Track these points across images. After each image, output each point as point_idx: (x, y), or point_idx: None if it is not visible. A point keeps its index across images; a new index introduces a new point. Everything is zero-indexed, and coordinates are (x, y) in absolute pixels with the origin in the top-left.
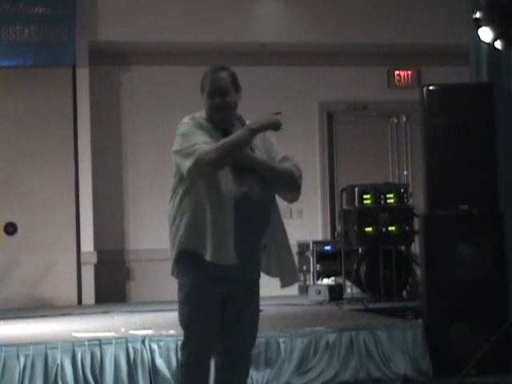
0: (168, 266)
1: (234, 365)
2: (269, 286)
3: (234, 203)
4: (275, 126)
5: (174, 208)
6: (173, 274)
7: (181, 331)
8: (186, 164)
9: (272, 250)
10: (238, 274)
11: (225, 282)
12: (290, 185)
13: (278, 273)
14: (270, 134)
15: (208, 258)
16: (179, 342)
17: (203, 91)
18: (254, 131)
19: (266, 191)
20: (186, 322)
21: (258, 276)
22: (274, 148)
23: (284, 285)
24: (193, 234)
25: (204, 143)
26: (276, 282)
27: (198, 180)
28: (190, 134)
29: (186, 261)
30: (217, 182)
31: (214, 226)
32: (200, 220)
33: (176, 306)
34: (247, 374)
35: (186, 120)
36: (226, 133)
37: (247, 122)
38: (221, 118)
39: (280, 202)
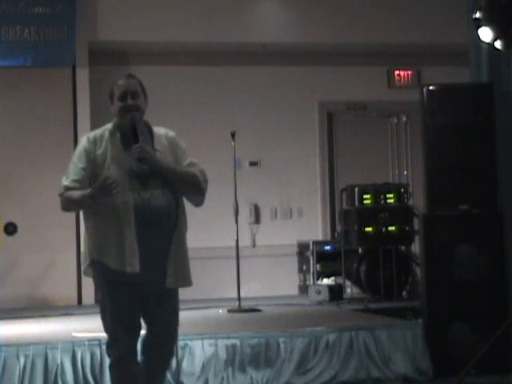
0: None
1: (156, 356)
2: (269, 286)
3: (134, 211)
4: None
5: (84, 218)
6: (85, 274)
7: (181, 331)
8: (59, 189)
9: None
10: (144, 279)
11: (134, 285)
12: (194, 188)
13: (170, 272)
14: (183, 141)
15: (112, 266)
16: (179, 343)
17: (113, 99)
18: (92, 196)
19: (169, 195)
20: (108, 323)
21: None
22: (182, 154)
23: (170, 284)
24: (97, 244)
25: (74, 182)
26: (276, 282)
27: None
28: (74, 161)
29: (97, 268)
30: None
31: (114, 236)
32: (101, 232)
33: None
34: (166, 368)
35: (89, 134)
36: (135, 132)
37: (154, 129)
38: (133, 117)
39: (280, 202)
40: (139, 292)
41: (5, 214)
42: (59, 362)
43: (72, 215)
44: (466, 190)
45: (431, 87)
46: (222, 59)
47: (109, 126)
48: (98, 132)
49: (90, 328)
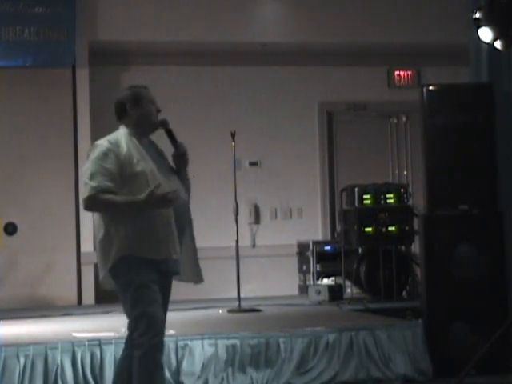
0: None
1: None
2: (269, 286)
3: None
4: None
5: (106, 217)
6: (104, 279)
7: (181, 331)
8: (84, 194)
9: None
10: (175, 268)
11: (166, 274)
12: (188, 192)
13: (193, 267)
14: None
15: (152, 255)
16: (179, 343)
17: (140, 101)
18: (147, 205)
19: (186, 193)
20: (146, 309)
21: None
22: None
23: (185, 280)
24: (134, 237)
25: (106, 182)
26: (276, 282)
27: (129, 188)
28: (98, 163)
29: (131, 260)
30: (150, 185)
31: (156, 225)
32: (140, 224)
33: (176, 307)
34: None
35: (103, 142)
36: (170, 133)
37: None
38: (166, 120)
39: (280, 202)
40: (165, 281)
41: (5, 214)
42: (59, 361)
43: (72, 215)
44: (466, 190)
45: (431, 87)
46: (222, 59)
47: (121, 131)
48: (112, 136)
49: (90, 328)
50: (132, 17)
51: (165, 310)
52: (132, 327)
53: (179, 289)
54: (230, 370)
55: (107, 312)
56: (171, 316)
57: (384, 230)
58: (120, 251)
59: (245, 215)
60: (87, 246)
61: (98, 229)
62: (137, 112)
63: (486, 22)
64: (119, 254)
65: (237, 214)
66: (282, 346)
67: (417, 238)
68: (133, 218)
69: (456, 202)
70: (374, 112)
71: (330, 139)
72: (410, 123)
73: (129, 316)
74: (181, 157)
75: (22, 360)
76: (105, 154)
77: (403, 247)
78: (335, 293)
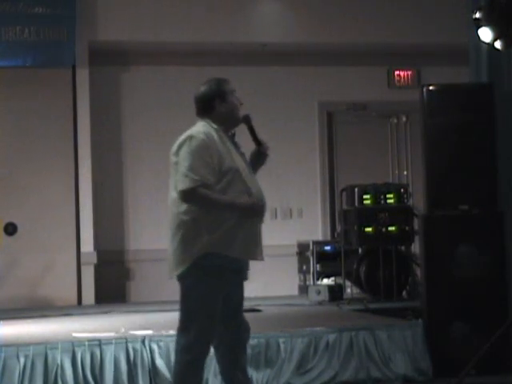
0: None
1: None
2: (269, 286)
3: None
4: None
5: (192, 213)
6: (181, 274)
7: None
8: (184, 185)
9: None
10: (247, 265)
11: (240, 273)
12: None
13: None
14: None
15: (236, 255)
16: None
17: (225, 96)
18: (244, 212)
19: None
20: (208, 312)
21: None
22: None
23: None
24: (220, 236)
25: (208, 175)
26: (276, 282)
27: (221, 184)
28: (197, 156)
29: (211, 260)
30: (245, 183)
31: (244, 224)
32: (227, 223)
33: (176, 307)
34: None
35: (196, 134)
36: (252, 129)
37: None
38: (249, 116)
39: (280, 202)
40: (239, 279)
41: (5, 214)
42: (59, 361)
43: (72, 215)
44: (466, 190)
45: (431, 87)
46: (222, 59)
47: (207, 125)
48: (203, 130)
49: (90, 328)
50: (132, 17)
51: (241, 309)
52: (179, 333)
53: (179, 289)
54: None
55: (107, 312)
56: (171, 316)
57: (384, 230)
58: (204, 248)
59: None
60: (87, 246)
61: (178, 224)
62: (226, 108)
63: (486, 21)
64: (203, 251)
65: None
66: (281, 346)
67: (417, 238)
68: (223, 215)
69: (456, 202)
70: (374, 112)
71: (330, 139)
72: (410, 123)
73: (180, 319)
74: (263, 155)
75: (22, 360)
76: (203, 147)
77: (403, 247)
78: (335, 293)
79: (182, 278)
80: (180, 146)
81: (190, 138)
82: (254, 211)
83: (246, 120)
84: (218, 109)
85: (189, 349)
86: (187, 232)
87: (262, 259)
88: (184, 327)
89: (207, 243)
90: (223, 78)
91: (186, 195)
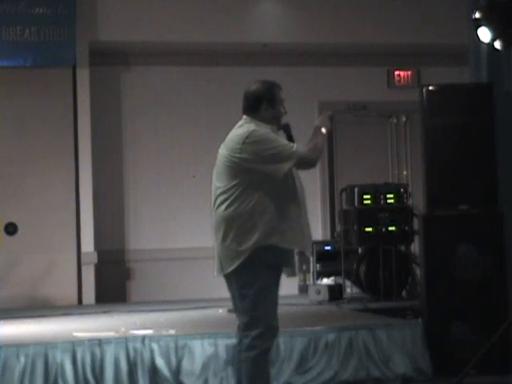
0: (167, 265)
1: None
2: None
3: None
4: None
5: (247, 208)
6: (237, 268)
7: (181, 331)
8: (285, 165)
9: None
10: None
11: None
12: None
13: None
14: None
15: (287, 246)
16: (179, 342)
17: (276, 102)
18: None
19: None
20: (269, 306)
21: None
22: None
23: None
24: (275, 228)
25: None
26: None
27: (275, 179)
28: (274, 138)
29: (267, 254)
30: (292, 179)
31: (296, 218)
32: (281, 215)
33: (176, 306)
34: None
35: (256, 127)
36: (289, 134)
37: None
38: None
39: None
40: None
41: (5, 214)
42: (59, 361)
43: (72, 215)
44: (465, 190)
45: (431, 87)
46: (222, 59)
47: (253, 122)
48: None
49: (90, 328)
50: (132, 17)
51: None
52: (248, 326)
53: (179, 289)
54: (229, 369)
55: (107, 312)
56: (171, 316)
57: (384, 230)
58: (261, 241)
59: None
60: (87, 246)
61: (228, 221)
62: (271, 114)
63: (486, 21)
64: (259, 244)
65: None
66: (281, 345)
67: (416, 238)
68: (279, 207)
69: (456, 202)
70: (374, 112)
71: (330, 139)
72: (410, 123)
73: (246, 313)
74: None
75: (22, 360)
76: (270, 132)
77: (403, 247)
78: (335, 292)
79: (237, 273)
80: (243, 141)
81: (254, 131)
82: (331, 121)
83: (286, 128)
84: (262, 112)
85: (263, 338)
86: (241, 226)
87: (311, 253)
88: (252, 320)
89: (262, 236)
90: (277, 84)
91: (301, 165)
